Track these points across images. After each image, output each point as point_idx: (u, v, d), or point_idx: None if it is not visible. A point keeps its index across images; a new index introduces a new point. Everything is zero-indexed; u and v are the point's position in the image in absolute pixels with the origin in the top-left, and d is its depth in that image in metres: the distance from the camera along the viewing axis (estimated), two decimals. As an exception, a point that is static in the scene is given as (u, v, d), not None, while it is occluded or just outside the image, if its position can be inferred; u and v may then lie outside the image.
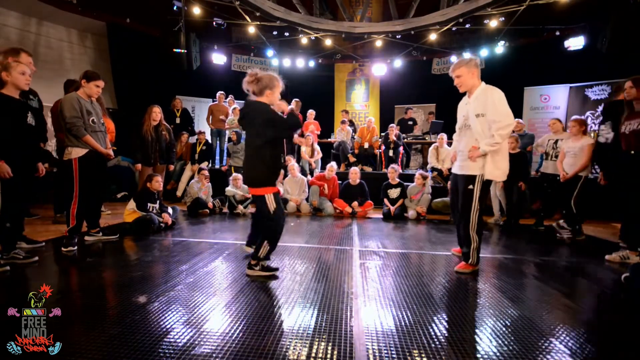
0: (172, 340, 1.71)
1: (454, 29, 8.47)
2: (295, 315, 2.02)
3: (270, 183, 2.60)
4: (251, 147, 2.62)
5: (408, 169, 7.99)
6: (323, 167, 7.04)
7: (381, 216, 5.55)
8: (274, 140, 2.56)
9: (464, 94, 2.99)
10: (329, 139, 8.56)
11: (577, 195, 4.08)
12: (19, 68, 2.80)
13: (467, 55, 9.30)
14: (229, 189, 5.73)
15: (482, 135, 2.74)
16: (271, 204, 2.55)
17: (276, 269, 2.76)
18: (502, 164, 2.78)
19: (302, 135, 7.50)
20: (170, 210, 4.58)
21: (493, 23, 8.27)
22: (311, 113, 8.14)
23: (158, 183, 4.43)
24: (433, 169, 6.72)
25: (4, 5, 6.65)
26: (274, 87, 2.57)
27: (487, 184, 2.82)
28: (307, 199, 5.99)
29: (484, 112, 2.73)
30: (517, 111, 8.42)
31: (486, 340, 1.79)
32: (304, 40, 9.49)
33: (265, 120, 2.51)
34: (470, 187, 2.79)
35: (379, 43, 9.24)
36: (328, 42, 9.52)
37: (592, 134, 7.37)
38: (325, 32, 8.53)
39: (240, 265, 2.95)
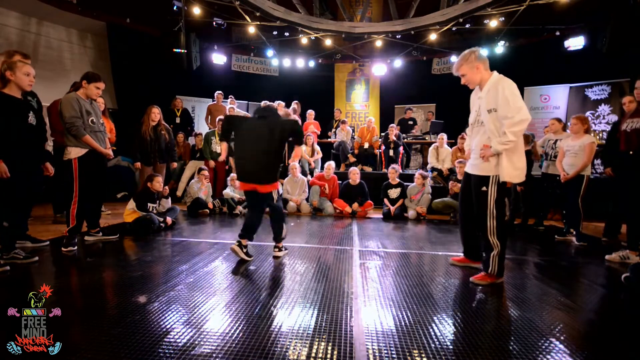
0: (172, 340, 1.71)
1: (454, 29, 8.46)
2: (295, 315, 2.02)
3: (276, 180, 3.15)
4: (267, 152, 3.01)
5: (408, 169, 7.99)
6: (322, 167, 7.04)
7: (381, 216, 5.55)
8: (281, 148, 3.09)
9: (466, 90, 2.85)
10: (328, 139, 8.57)
11: (583, 195, 4.04)
12: (25, 69, 2.81)
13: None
14: (227, 192, 5.73)
15: (494, 132, 2.52)
16: (276, 194, 3.28)
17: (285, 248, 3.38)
18: (520, 163, 2.53)
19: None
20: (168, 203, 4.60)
21: (493, 23, 8.27)
22: (310, 113, 8.14)
23: (159, 184, 4.43)
24: (433, 169, 6.72)
25: (4, 5, 6.65)
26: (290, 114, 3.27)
27: (504, 185, 2.57)
28: (307, 199, 5.99)
29: (495, 107, 2.50)
30: (517, 111, 8.41)
31: (486, 340, 1.79)
32: (304, 40, 9.49)
33: (286, 133, 3.05)
34: (484, 188, 2.59)
35: (379, 43, 9.24)
36: (328, 42, 9.52)
37: (591, 134, 7.39)
38: (325, 32, 8.53)
39: (240, 266, 2.95)
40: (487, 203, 2.58)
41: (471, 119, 2.81)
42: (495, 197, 2.56)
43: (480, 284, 2.61)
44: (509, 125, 2.41)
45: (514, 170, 2.51)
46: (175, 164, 5.27)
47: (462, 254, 3.05)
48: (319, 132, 8.15)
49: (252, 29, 8.78)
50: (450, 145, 6.93)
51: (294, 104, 7.74)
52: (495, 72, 2.64)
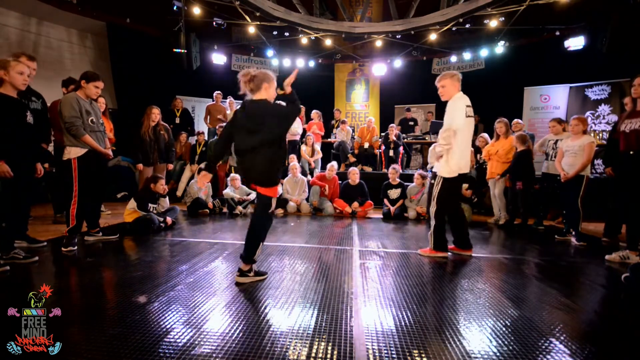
0: (172, 340, 1.71)
1: (454, 29, 8.46)
2: (295, 315, 2.02)
3: (277, 182, 2.62)
4: (263, 146, 2.47)
5: (408, 169, 7.99)
6: (323, 167, 7.04)
7: (381, 216, 5.55)
8: (281, 138, 2.55)
9: (465, 91, 3.25)
10: (328, 139, 8.57)
11: (582, 195, 4.04)
12: (18, 67, 2.81)
13: (467, 55, 9.35)
14: (227, 192, 5.74)
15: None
16: (274, 204, 2.61)
17: (266, 273, 2.73)
18: (452, 162, 3.15)
19: (303, 135, 7.52)
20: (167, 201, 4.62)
21: (493, 23, 8.27)
22: (315, 113, 8.13)
23: (162, 187, 4.43)
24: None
25: (4, 5, 6.65)
26: (270, 80, 2.56)
27: (449, 181, 3.18)
28: (307, 199, 5.99)
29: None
30: (517, 111, 8.42)
31: (486, 340, 1.79)
32: (304, 40, 9.49)
33: (276, 117, 2.47)
34: (433, 181, 3.36)
35: (379, 43, 9.24)
36: (328, 42, 9.52)
37: (591, 134, 7.40)
38: (325, 32, 8.53)
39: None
40: (433, 192, 3.29)
41: None
42: (439, 189, 3.23)
43: (424, 256, 3.32)
44: (440, 132, 3.16)
45: (448, 167, 3.17)
46: (171, 166, 5.27)
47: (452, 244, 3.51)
48: (322, 133, 8.14)
49: (252, 29, 8.79)
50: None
51: None
52: (460, 93, 3.22)
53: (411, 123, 9.02)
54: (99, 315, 1.97)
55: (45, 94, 4.14)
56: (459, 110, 3.09)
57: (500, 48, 8.73)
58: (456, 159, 3.14)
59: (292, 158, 6.62)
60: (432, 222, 3.28)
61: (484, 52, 9.03)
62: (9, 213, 2.90)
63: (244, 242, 3.04)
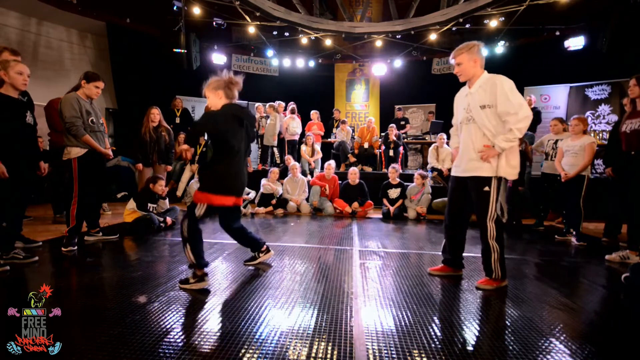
0: (172, 340, 1.71)
1: (454, 29, 8.47)
2: (295, 315, 2.02)
3: (209, 190, 2.39)
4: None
5: (406, 168, 7.99)
6: (322, 168, 7.04)
7: (381, 216, 5.55)
8: (218, 147, 2.56)
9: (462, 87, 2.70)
10: (328, 139, 8.57)
11: (584, 195, 4.05)
12: (17, 67, 2.79)
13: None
14: None
15: (491, 130, 2.41)
16: (199, 211, 2.37)
17: (206, 275, 2.44)
18: (515, 161, 2.46)
19: (302, 135, 7.52)
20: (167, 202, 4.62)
21: (493, 23, 8.28)
22: (314, 113, 8.12)
23: (161, 187, 4.44)
24: (433, 169, 6.72)
25: (4, 5, 6.65)
26: (212, 90, 2.60)
27: (505, 185, 2.50)
28: (307, 199, 6.00)
29: (491, 103, 2.39)
30: (517, 111, 8.41)
31: (486, 340, 1.79)
32: (304, 40, 9.49)
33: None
34: (487, 189, 2.44)
35: (379, 43, 9.24)
36: (328, 42, 9.52)
37: (591, 134, 7.40)
38: (325, 32, 8.53)
39: (240, 265, 2.95)
40: (489, 205, 2.44)
41: (459, 118, 2.65)
42: (496, 198, 2.44)
43: (486, 289, 2.49)
44: (515, 121, 2.32)
45: (510, 169, 2.44)
46: (169, 167, 5.26)
47: (441, 264, 2.84)
48: (322, 133, 8.14)
49: (252, 29, 8.79)
50: (450, 145, 6.93)
51: (291, 104, 7.75)
52: (486, 72, 2.56)
53: (402, 122, 9.02)
54: (99, 315, 1.97)
55: (45, 93, 4.15)
56: (517, 91, 2.38)
57: (500, 48, 8.73)
58: (518, 157, 2.48)
59: (290, 158, 6.64)
60: (494, 245, 2.46)
61: (484, 52, 9.02)
62: (11, 213, 2.90)
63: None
